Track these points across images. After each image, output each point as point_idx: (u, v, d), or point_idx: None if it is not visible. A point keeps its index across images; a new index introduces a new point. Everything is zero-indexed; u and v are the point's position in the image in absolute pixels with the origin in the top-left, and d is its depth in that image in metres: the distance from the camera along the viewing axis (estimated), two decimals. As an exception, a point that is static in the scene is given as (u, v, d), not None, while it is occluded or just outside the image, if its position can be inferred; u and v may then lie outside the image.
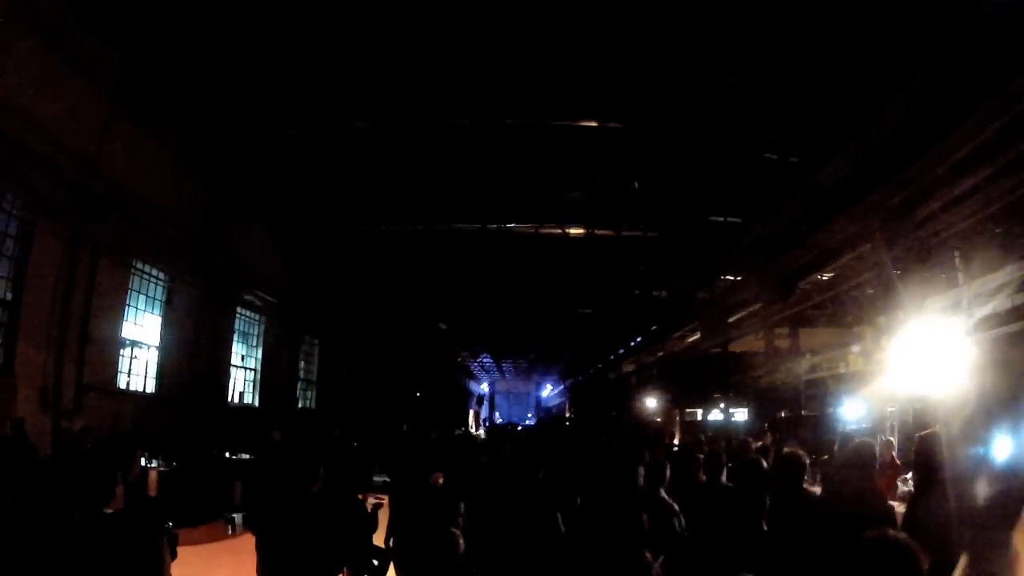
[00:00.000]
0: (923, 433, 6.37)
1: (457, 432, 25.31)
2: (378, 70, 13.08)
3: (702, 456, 7.88)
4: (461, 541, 3.92)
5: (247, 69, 12.77)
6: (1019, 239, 10.56)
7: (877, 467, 7.13)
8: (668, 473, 6.41)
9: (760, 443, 12.71)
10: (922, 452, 6.06)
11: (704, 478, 6.71)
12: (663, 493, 6.11)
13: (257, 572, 5.53)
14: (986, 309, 11.71)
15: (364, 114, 14.76)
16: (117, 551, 3.54)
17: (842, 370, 18.77)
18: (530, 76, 13.29)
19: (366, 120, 14.96)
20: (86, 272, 11.67)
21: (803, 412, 17.19)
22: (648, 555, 4.24)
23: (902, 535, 3.43)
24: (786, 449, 8.29)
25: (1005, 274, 11.41)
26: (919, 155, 9.65)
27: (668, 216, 20.32)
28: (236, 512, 10.81)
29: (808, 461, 6.50)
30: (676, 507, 5.90)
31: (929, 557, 4.40)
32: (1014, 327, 11.34)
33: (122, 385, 13.31)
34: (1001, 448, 7.51)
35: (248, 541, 5.85)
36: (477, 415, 41.91)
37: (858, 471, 5.99)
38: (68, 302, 11.30)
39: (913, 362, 10.67)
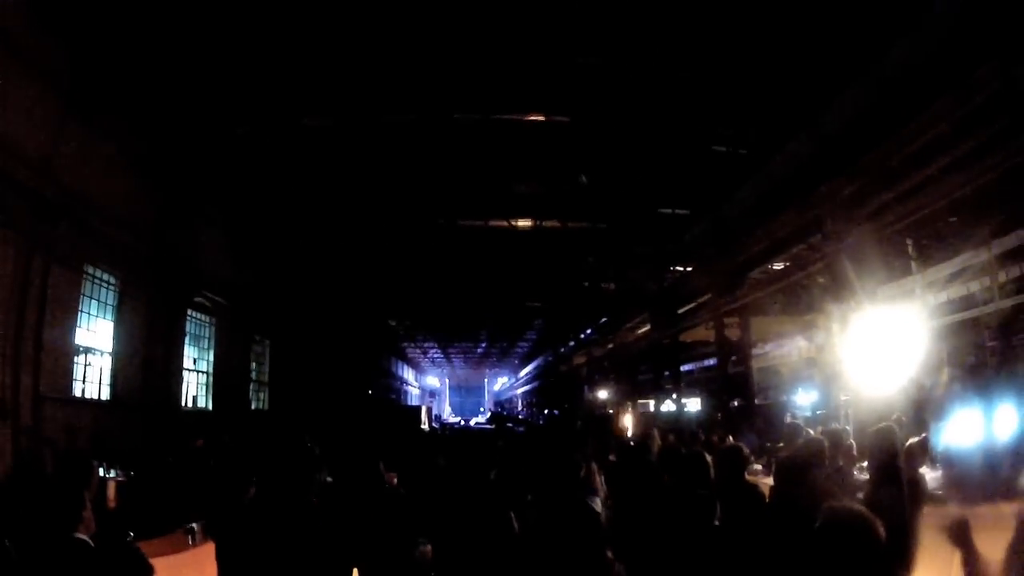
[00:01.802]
0: (879, 426, 6.35)
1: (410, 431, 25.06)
2: (324, 68, 12.91)
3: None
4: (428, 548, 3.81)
5: (197, 70, 12.54)
6: (972, 228, 10.67)
7: (828, 459, 7.13)
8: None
9: (715, 436, 12.68)
10: (877, 445, 6.08)
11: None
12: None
13: None
14: (940, 297, 11.87)
15: (312, 112, 14.59)
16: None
17: (795, 358, 18.97)
18: (477, 71, 13.19)
19: (314, 118, 14.77)
20: (39, 279, 11.27)
21: (756, 401, 17.28)
22: (609, 554, 4.22)
23: (860, 507, 3.40)
24: (728, 441, 8.26)
25: (959, 262, 11.56)
26: (872, 147, 9.67)
27: (617, 208, 20.33)
28: (194, 520, 10.53)
29: (748, 453, 6.44)
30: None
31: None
32: (967, 314, 11.50)
33: (77, 393, 12.91)
34: (955, 434, 7.58)
35: (210, 550, 5.68)
36: (429, 410, 41.74)
37: (809, 466, 5.98)
38: (22, 311, 10.89)
39: (866, 350, 10.72)
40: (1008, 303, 10.96)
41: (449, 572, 4.60)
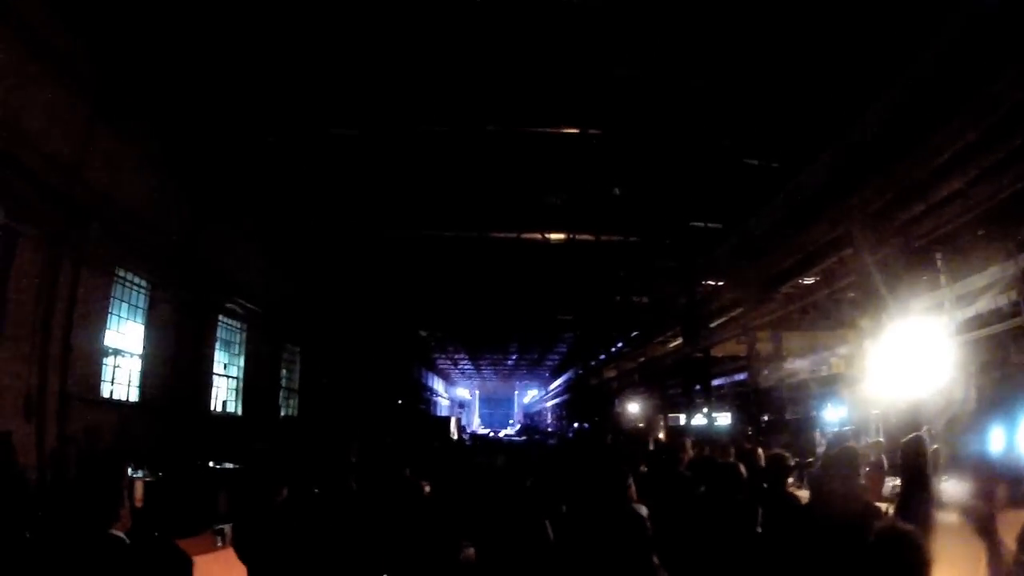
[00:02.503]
0: (909, 437, 6.44)
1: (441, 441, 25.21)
2: (360, 77, 13.07)
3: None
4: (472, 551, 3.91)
5: (229, 76, 12.73)
6: (1001, 241, 10.64)
7: (862, 469, 7.18)
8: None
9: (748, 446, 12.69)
10: (908, 455, 6.16)
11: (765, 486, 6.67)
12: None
13: None
14: (969, 311, 11.81)
15: (345, 121, 14.74)
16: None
17: (825, 373, 18.86)
18: (511, 83, 13.33)
19: (347, 127, 14.93)
20: (68, 281, 11.50)
21: (786, 416, 17.24)
22: (655, 560, 4.28)
23: (910, 527, 3.56)
24: (774, 451, 8.29)
25: (988, 275, 11.50)
26: (900, 158, 9.69)
27: (649, 222, 20.38)
28: (222, 523, 10.72)
29: (793, 464, 6.54)
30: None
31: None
32: (997, 328, 11.43)
33: (105, 394, 13.11)
34: (986, 448, 7.59)
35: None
36: (459, 421, 41.88)
37: (843, 474, 6.04)
38: (51, 311, 11.10)
39: (896, 364, 10.70)
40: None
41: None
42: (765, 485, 6.65)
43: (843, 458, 6.31)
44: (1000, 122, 7.85)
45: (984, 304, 11.94)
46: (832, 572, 3.73)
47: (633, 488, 6.19)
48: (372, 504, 6.40)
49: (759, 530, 5.31)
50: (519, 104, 14.04)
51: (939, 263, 12.01)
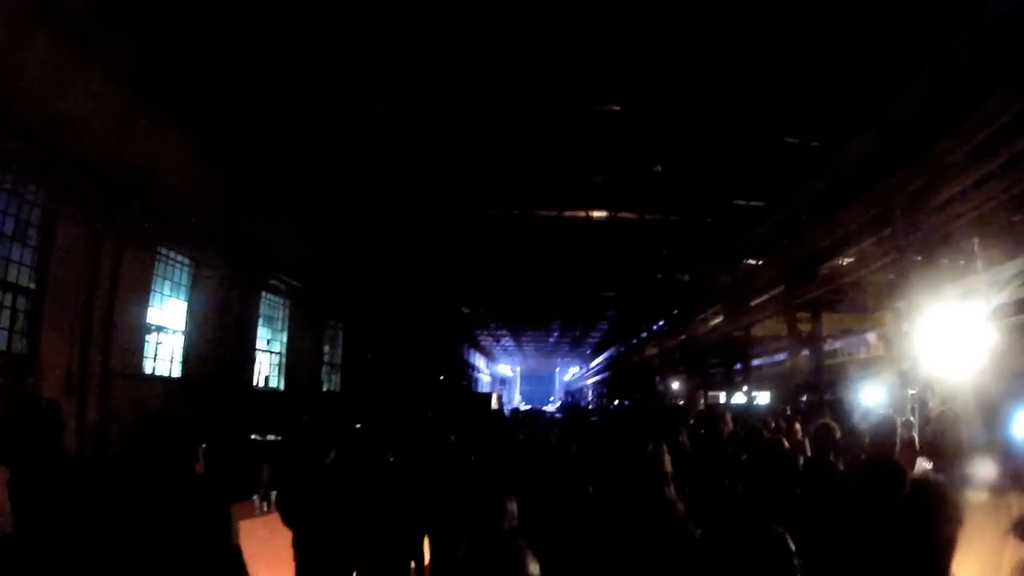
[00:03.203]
0: (941, 410, 6.59)
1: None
2: (401, 55, 13.11)
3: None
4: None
5: (269, 55, 12.83)
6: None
7: (897, 443, 7.29)
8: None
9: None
10: (939, 427, 6.30)
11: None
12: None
13: (294, 546, 5.81)
14: (1004, 296, 11.75)
15: (386, 99, 14.82)
16: (204, 508, 3.85)
17: (863, 355, 18.81)
18: (554, 61, 13.34)
19: (390, 105, 15.03)
20: (110, 259, 11.73)
21: (825, 397, 17.23)
22: (671, 491, 4.38)
23: (942, 478, 3.71)
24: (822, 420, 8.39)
25: (1021, 263, 11.45)
26: (938, 139, 9.70)
27: (691, 200, 20.36)
28: (266, 492, 11.11)
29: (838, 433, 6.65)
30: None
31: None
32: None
33: (148, 370, 13.44)
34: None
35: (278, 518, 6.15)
36: (500, 398, 42.18)
37: (880, 442, 6.23)
38: (93, 289, 11.35)
39: (933, 347, 10.74)
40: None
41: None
42: (809, 454, 6.79)
43: (883, 425, 6.49)
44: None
45: (1018, 291, 11.87)
46: (870, 527, 3.85)
47: (667, 459, 6.36)
48: (415, 466, 6.64)
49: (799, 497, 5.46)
50: (562, 82, 14.07)
51: (976, 248, 11.94)
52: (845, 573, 3.74)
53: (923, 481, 3.69)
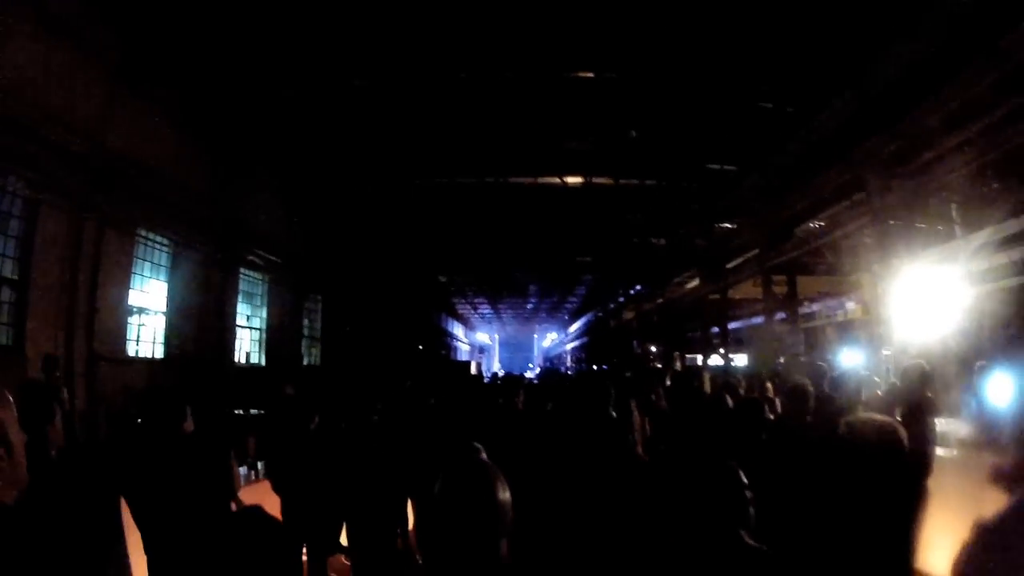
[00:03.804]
0: (907, 364, 6.65)
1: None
2: (378, 25, 13.02)
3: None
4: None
5: (245, 30, 12.72)
6: (1015, 195, 10.68)
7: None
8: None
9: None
10: (906, 381, 6.37)
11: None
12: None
13: (282, 512, 6.01)
14: (982, 264, 11.89)
15: (362, 71, 14.70)
16: (201, 461, 3.97)
17: (840, 318, 19.01)
18: (527, 28, 13.26)
19: (364, 77, 14.92)
20: (92, 244, 11.76)
21: (801, 358, 17.42)
22: (634, 436, 4.56)
23: (886, 418, 3.66)
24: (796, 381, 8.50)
25: (1001, 229, 11.57)
26: (914, 105, 9.74)
27: (666, 164, 20.37)
28: (253, 462, 11.26)
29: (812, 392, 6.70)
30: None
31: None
32: (1006, 283, 11.54)
33: (131, 353, 13.48)
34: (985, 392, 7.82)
35: (267, 486, 6.30)
36: (479, 366, 42.35)
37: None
38: (75, 275, 11.39)
39: (908, 310, 10.86)
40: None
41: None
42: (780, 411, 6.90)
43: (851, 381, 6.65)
44: (1007, 77, 7.92)
45: (997, 258, 12.00)
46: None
47: (636, 415, 6.50)
48: (397, 430, 6.75)
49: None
50: (536, 49, 14.00)
51: (954, 214, 12.06)
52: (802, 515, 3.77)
53: (863, 421, 3.65)
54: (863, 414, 3.95)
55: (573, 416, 6.08)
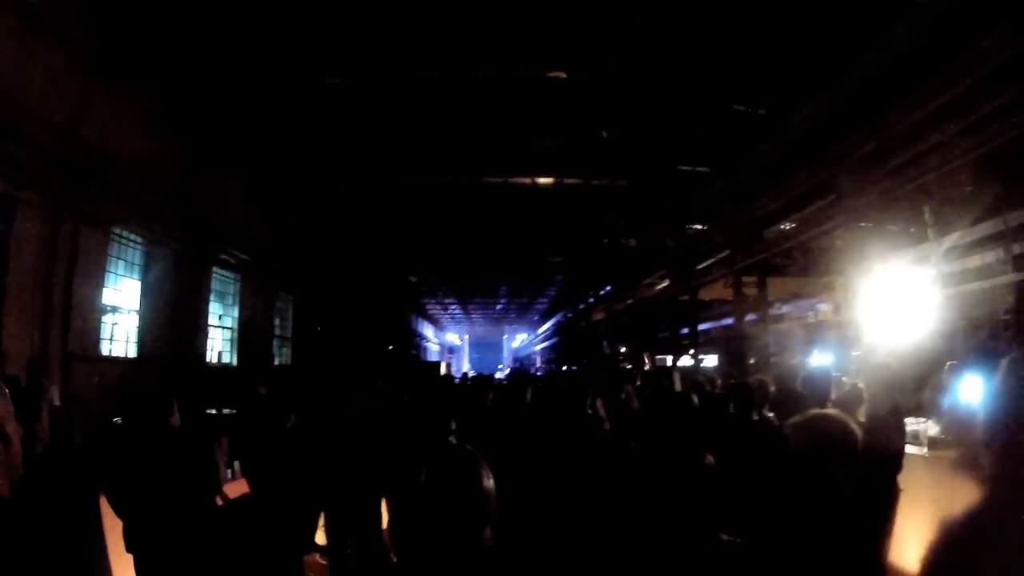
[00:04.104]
0: (875, 364, 6.73)
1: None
2: (350, 24, 12.93)
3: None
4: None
5: (221, 26, 12.58)
6: (989, 198, 10.78)
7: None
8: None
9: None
10: (873, 380, 6.45)
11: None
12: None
13: (258, 510, 5.91)
14: (955, 266, 12.00)
15: (336, 69, 14.65)
16: (189, 455, 4.00)
17: (811, 319, 19.14)
18: (499, 27, 13.22)
19: (338, 75, 14.85)
20: (68, 242, 11.65)
21: (772, 359, 17.52)
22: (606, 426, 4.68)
23: (839, 412, 3.67)
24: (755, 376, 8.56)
25: (974, 232, 11.68)
26: (887, 108, 9.80)
27: (637, 165, 20.43)
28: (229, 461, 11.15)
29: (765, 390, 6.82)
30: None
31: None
32: (979, 285, 11.65)
33: (105, 351, 13.33)
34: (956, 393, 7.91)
35: (243, 486, 6.23)
36: (449, 366, 42.29)
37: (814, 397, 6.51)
38: (51, 273, 11.27)
39: (880, 313, 10.95)
40: (1019, 277, 11.11)
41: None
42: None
43: (819, 379, 6.73)
44: (986, 78, 7.99)
45: (971, 261, 12.12)
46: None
47: (601, 410, 6.59)
48: (372, 428, 6.73)
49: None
50: (508, 49, 13.97)
51: (927, 216, 12.15)
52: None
53: (814, 416, 3.67)
54: (814, 410, 3.96)
55: (550, 412, 6.14)
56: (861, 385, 8.50)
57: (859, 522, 3.37)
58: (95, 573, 4.20)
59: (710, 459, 3.15)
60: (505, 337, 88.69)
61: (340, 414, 6.82)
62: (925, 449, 8.53)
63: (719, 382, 11.27)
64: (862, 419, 6.37)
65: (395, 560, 5.35)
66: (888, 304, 10.78)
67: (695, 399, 6.86)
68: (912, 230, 12.52)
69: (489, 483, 2.55)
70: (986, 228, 11.49)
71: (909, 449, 6.91)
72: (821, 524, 3.21)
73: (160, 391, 4.95)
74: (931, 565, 2.50)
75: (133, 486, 4.29)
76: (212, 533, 3.51)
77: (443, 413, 5.88)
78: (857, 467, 3.38)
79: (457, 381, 16.59)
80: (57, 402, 10.27)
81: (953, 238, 11.82)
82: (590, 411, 6.20)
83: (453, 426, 5.51)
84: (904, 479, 5.82)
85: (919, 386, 9.23)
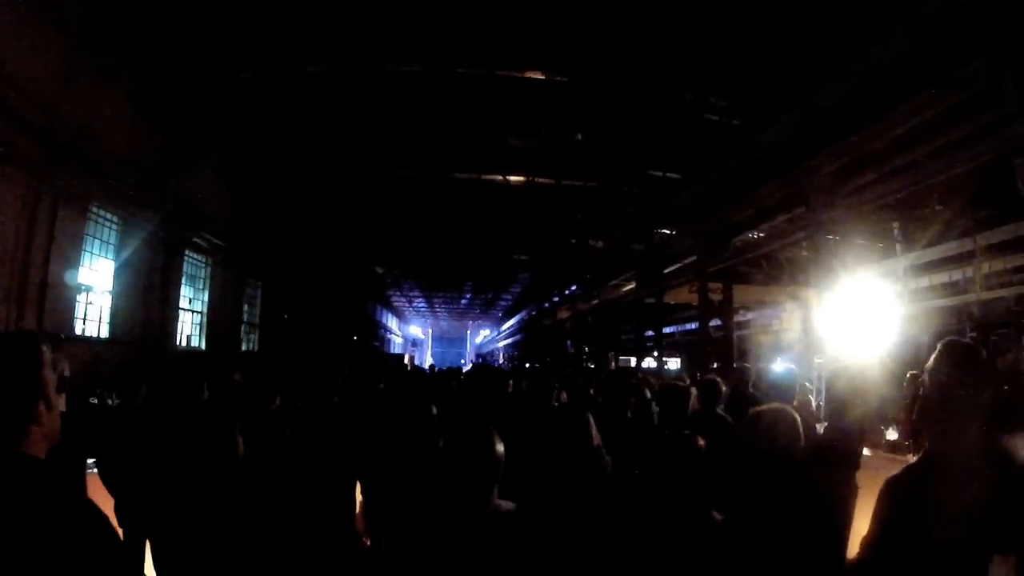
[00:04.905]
0: (833, 366, 7.02)
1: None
2: (329, 15, 12.98)
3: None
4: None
5: (204, 11, 12.59)
6: (958, 218, 11.09)
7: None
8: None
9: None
10: (831, 382, 6.76)
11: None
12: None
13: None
14: (922, 282, 12.31)
15: (314, 59, 14.68)
16: (211, 430, 4.13)
17: (776, 327, 19.48)
18: (480, 26, 13.33)
19: (316, 65, 14.87)
20: (46, 219, 11.56)
21: (734, 364, 17.82)
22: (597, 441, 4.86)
23: (789, 408, 3.97)
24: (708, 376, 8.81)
25: (942, 250, 12.00)
26: (856, 129, 10.06)
27: (609, 168, 20.64)
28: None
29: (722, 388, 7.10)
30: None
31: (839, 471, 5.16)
32: (945, 302, 11.97)
33: (78, 331, 13.23)
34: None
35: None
36: (412, 359, 42.27)
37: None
38: (29, 251, 11.18)
39: (844, 323, 11.21)
40: (988, 296, 11.45)
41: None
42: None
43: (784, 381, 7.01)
44: (958, 105, 8.26)
45: (937, 278, 12.43)
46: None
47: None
48: (352, 412, 6.84)
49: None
50: (488, 47, 14.09)
51: (896, 233, 12.45)
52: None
53: (763, 410, 3.96)
54: (766, 405, 4.24)
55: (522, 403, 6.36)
56: (810, 387, 8.85)
57: (815, 514, 3.66)
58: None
59: (701, 442, 3.39)
60: (468, 332, 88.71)
61: (324, 397, 6.91)
62: (880, 451, 8.84)
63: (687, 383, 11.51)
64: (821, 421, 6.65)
65: (368, 544, 5.49)
66: (853, 315, 11.04)
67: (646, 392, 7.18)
68: (880, 245, 12.81)
69: (500, 449, 2.91)
70: (954, 247, 11.82)
71: (871, 452, 7.20)
72: (770, 509, 3.52)
73: (194, 368, 5.13)
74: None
75: (147, 465, 4.38)
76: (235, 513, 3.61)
77: (426, 400, 6.04)
78: (798, 457, 3.68)
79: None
80: (68, 374, 10.29)
81: (921, 255, 12.15)
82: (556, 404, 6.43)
83: (434, 410, 5.77)
84: (861, 478, 6.08)
85: (881, 394, 9.50)
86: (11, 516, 1.76)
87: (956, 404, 2.58)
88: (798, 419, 3.76)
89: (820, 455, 5.19)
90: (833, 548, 3.72)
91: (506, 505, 3.01)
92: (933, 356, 2.70)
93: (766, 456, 3.65)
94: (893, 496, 2.77)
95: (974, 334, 11.45)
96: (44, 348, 2.18)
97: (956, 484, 2.47)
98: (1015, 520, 2.32)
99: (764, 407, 3.94)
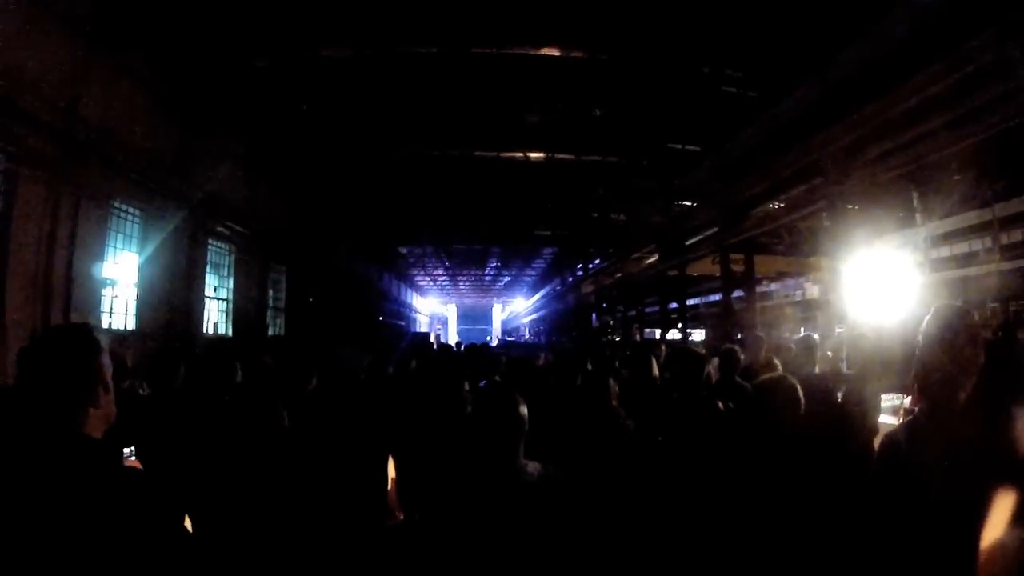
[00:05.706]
0: (855, 332, 7.24)
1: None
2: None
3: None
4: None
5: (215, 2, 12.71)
6: (976, 187, 11.08)
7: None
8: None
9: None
10: (854, 347, 7.00)
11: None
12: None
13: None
14: (942, 251, 12.31)
15: (331, 43, 14.78)
16: (257, 405, 4.34)
17: (798, 298, 19.51)
18: (495, 5, 13.39)
19: (333, 49, 14.98)
20: (69, 216, 11.67)
21: (758, 334, 17.88)
22: (618, 409, 5.12)
23: (790, 377, 4.23)
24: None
25: (960, 220, 11.99)
26: (873, 99, 10.06)
27: (628, 142, 20.68)
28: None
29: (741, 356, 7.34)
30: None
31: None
32: (963, 272, 11.98)
33: (105, 325, 13.42)
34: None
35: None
36: (438, 338, 42.60)
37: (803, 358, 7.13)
38: (52, 248, 11.33)
39: (864, 294, 11.27)
40: (1009, 266, 11.45)
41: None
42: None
43: (805, 342, 7.26)
44: (971, 75, 8.29)
45: (957, 248, 12.43)
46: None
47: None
48: (383, 390, 7.06)
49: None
50: (503, 26, 14.15)
51: (915, 202, 12.44)
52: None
53: (768, 379, 4.22)
54: (770, 373, 4.51)
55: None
56: (830, 355, 8.97)
57: (833, 477, 3.97)
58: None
59: (721, 406, 3.69)
60: (493, 309, 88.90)
61: (353, 376, 7.10)
62: (897, 419, 8.96)
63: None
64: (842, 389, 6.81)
65: (401, 518, 5.68)
66: (873, 285, 11.10)
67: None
68: (900, 215, 12.80)
69: (523, 410, 3.23)
70: (973, 217, 11.81)
71: (889, 420, 7.36)
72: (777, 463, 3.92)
73: (225, 353, 5.60)
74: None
75: (195, 443, 4.58)
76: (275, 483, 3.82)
77: (458, 377, 6.24)
78: (799, 419, 3.97)
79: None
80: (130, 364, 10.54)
81: (939, 224, 12.15)
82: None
83: (466, 386, 6.06)
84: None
85: (900, 362, 9.56)
86: (77, 492, 2.03)
87: (947, 364, 2.74)
88: (797, 387, 3.98)
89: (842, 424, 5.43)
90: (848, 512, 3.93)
91: (532, 465, 3.25)
92: (926, 319, 2.86)
93: (767, 422, 3.91)
94: (887, 450, 2.98)
95: (994, 304, 11.47)
96: (100, 338, 2.42)
97: (946, 439, 2.65)
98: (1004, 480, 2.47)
99: (765, 376, 4.17)
